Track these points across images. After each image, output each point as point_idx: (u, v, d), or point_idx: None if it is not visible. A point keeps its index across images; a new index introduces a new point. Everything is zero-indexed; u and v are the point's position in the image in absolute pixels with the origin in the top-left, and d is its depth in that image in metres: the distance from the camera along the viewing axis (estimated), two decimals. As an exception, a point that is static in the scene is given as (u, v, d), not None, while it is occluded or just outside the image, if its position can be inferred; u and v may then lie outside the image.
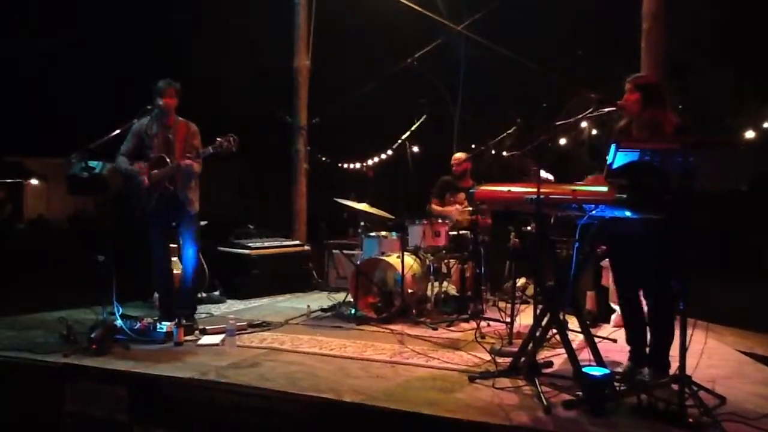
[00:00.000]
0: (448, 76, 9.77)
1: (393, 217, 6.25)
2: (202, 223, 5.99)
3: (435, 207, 6.56)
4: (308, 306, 6.03)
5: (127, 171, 5.05)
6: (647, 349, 3.89)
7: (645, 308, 3.99)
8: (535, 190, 3.51)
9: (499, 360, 4.08)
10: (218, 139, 4.87)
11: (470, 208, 6.01)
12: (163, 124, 5.04)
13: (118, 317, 4.73)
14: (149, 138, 5.04)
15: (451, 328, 5.29)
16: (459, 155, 6.69)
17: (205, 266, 6.46)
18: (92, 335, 4.33)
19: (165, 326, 4.73)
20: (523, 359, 3.80)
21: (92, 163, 4.70)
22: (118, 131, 4.83)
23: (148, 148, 5.04)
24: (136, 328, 4.74)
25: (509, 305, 4.97)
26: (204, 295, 6.46)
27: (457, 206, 6.39)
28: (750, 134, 9.37)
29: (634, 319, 3.97)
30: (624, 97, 3.81)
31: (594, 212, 3.46)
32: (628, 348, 4.03)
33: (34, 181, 21.01)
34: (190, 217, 5.15)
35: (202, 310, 5.92)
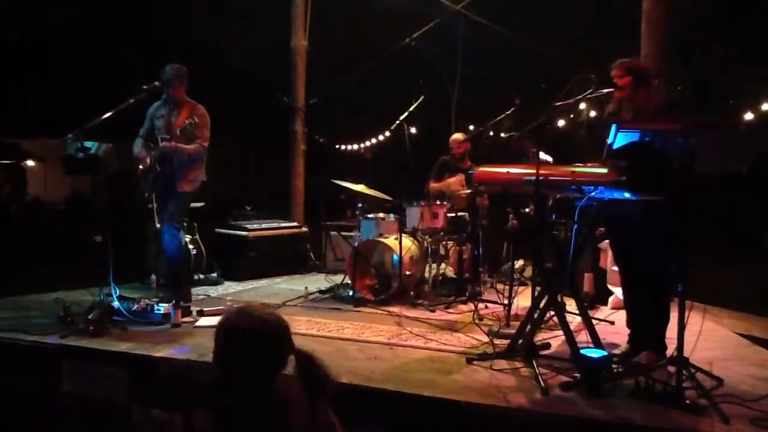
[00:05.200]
0: (446, 56, 9.69)
1: (391, 198, 6.23)
2: (198, 204, 5.98)
3: (432, 185, 6.52)
4: (306, 288, 6.03)
5: (134, 155, 5.32)
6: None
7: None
8: (533, 171, 3.49)
9: (497, 342, 4.09)
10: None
11: (467, 191, 5.99)
12: (170, 106, 5.23)
13: (116, 298, 4.72)
14: (157, 120, 5.26)
15: (449, 310, 5.30)
16: (457, 136, 6.65)
17: (203, 248, 6.46)
18: (89, 316, 4.33)
19: (162, 307, 4.73)
20: (520, 341, 3.80)
21: (88, 144, 4.67)
22: (113, 111, 4.78)
23: (156, 130, 5.25)
24: (133, 309, 4.74)
25: (507, 287, 4.97)
26: (201, 276, 6.46)
27: (455, 178, 6.33)
28: (749, 116, 9.32)
29: (635, 303, 3.97)
30: (614, 81, 3.81)
31: (593, 194, 3.44)
32: (626, 330, 4.03)
33: (30, 163, 20.90)
34: (176, 195, 5.18)
35: (200, 291, 5.92)
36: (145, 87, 4.91)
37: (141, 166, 5.21)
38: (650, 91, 3.84)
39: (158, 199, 5.27)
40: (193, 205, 5.69)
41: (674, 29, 6.18)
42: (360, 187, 6.01)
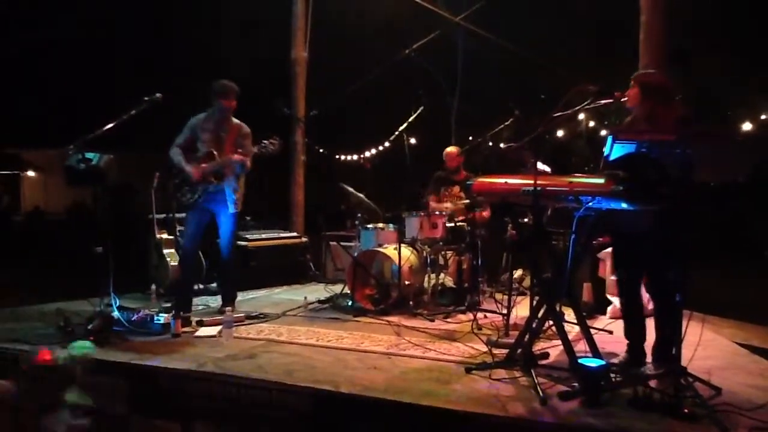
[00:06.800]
0: (446, 68, 9.74)
1: (388, 215, 6.26)
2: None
3: (432, 204, 6.56)
4: (305, 297, 6.04)
5: (177, 163, 5.26)
6: (647, 343, 3.91)
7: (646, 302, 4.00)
8: (531, 181, 3.51)
9: (496, 351, 4.09)
10: (264, 141, 5.14)
11: (466, 201, 6.02)
12: (218, 122, 5.25)
13: (116, 309, 4.73)
14: (203, 133, 5.24)
15: (448, 320, 5.30)
16: (451, 150, 6.67)
17: (203, 258, 6.46)
18: (90, 326, 4.35)
19: (162, 318, 4.74)
20: (519, 350, 3.81)
21: (89, 155, 4.70)
22: (115, 122, 4.81)
23: (200, 142, 5.25)
24: (133, 319, 4.75)
25: (506, 297, 4.97)
26: (201, 286, 6.48)
27: (448, 205, 6.38)
28: (747, 126, 9.36)
29: (634, 313, 3.97)
30: (626, 91, 3.82)
31: (591, 204, 3.45)
32: (624, 339, 4.03)
33: (31, 173, 20.96)
34: (229, 217, 5.29)
35: (200, 302, 5.93)
36: (146, 98, 4.89)
37: (194, 177, 5.15)
38: (668, 106, 3.75)
39: (199, 210, 5.26)
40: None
41: (673, 39, 6.22)
42: (362, 196, 6.03)
